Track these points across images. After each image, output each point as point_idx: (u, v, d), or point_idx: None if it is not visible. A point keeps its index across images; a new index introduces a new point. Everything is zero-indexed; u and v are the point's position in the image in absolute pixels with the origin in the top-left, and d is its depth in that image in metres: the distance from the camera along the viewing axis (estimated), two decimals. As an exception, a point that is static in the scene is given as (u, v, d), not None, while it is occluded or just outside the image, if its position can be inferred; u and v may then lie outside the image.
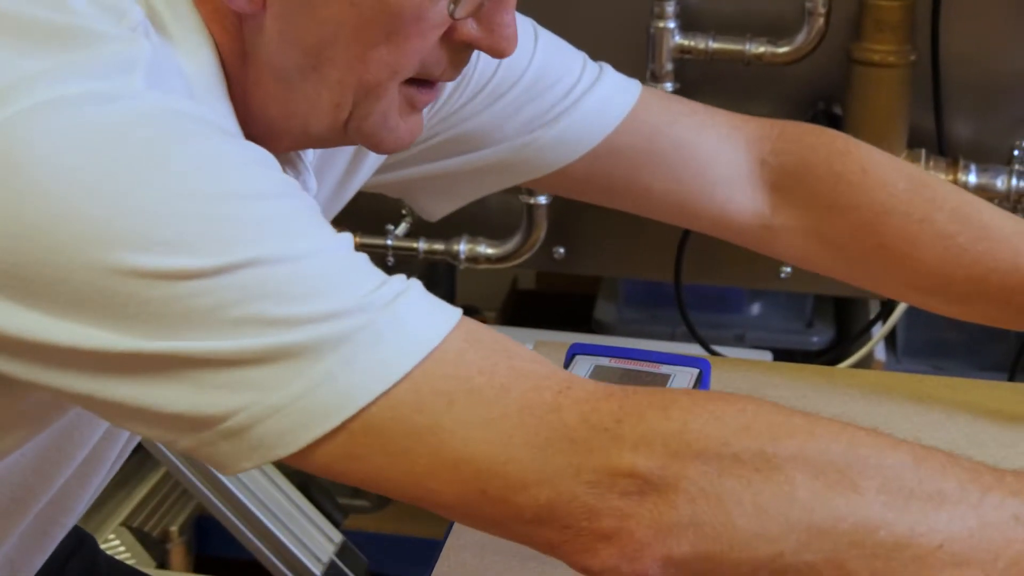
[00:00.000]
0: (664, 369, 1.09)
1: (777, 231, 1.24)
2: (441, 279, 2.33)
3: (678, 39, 1.71)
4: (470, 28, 0.97)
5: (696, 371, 1.08)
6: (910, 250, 1.19)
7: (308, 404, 0.79)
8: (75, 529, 1.43)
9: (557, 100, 1.18)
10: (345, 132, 0.99)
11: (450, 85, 1.14)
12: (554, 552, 0.82)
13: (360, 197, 1.90)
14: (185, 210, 0.80)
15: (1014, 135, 1.73)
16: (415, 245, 1.90)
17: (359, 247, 1.83)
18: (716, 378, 1.10)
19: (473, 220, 1.90)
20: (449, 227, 1.90)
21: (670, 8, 1.70)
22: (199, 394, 0.80)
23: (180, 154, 0.82)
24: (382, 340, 0.80)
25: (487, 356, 0.83)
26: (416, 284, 0.85)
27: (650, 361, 1.10)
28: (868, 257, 1.21)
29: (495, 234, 1.89)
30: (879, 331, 1.96)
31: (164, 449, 2.16)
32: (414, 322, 0.82)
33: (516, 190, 1.83)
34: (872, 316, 1.99)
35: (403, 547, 2.42)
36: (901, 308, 1.90)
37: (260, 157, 0.87)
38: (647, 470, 0.78)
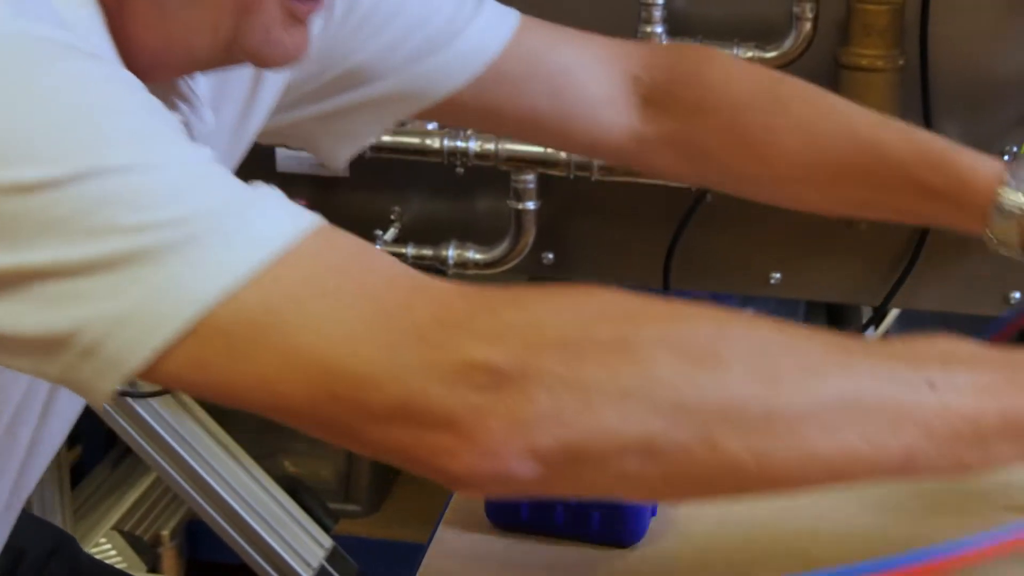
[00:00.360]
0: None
1: (649, 143, 1.26)
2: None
3: (666, 43, 1.71)
4: None
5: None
6: (772, 140, 1.23)
7: (153, 309, 0.77)
8: (54, 530, 1.43)
9: (442, 27, 1.20)
10: (229, 52, 0.99)
11: (339, 11, 1.16)
12: (412, 462, 0.78)
13: (350, 202, 1.92)
14: (41, 123, 0.79)
15: (1004, 139, 1.73)
16: (404, 251, 1.90)
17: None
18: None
19: (462, 225, 1.89)
20: (438, 232, 1.90)
21: (657, 12, 1.69)
22: (47, 309, 0.78)
23: (41, 75, 0.81)
24: (230, 242, 0.78)
25: (342, 259, 0.81)
26: (274, 191, 0.83)
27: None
28: (733, 157, 1.25)
29: (484, 239, 1.88)
30: (871, 336, 1.96)
31: (154, 454, 2.16)
32: (266, 225, 0.79)
33: (504, 195, 1.83)
34: (864, 321, 1.99)
35: (393, 552, 2.42)
36: (893, 314, 1.90)
37: (125, 78, 0.86)
38: (502, 362, 0.75)
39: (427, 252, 1.89)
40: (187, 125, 1.06)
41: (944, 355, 0.82)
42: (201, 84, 1.07)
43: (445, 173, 1.86)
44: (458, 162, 1.82)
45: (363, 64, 1.20)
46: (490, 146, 1.80)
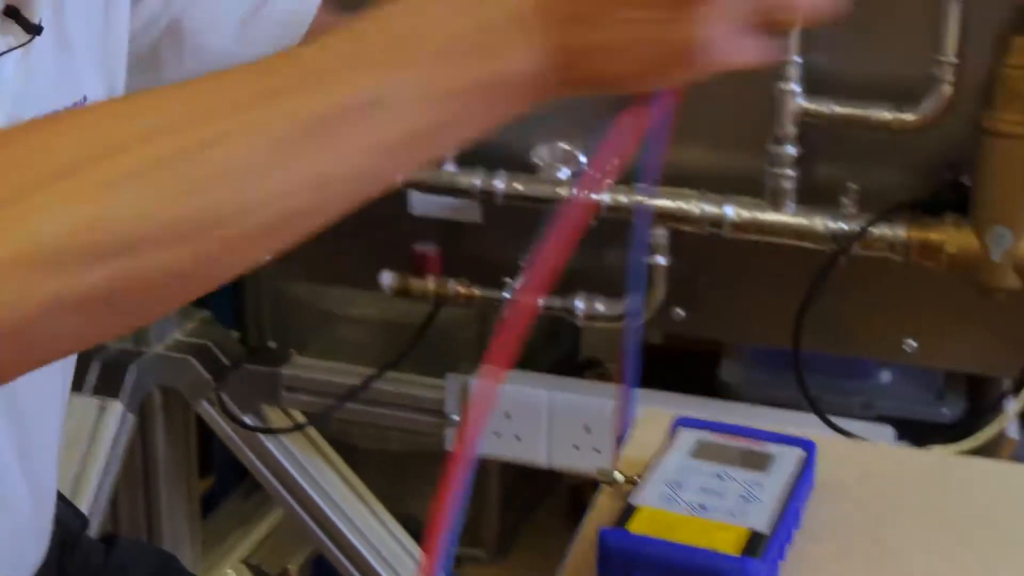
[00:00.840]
0: (769, 448, 1.07)
1: None
2: (565, 331, 2.32)
3: (801, 102, 1.68)
4: None
5: (802, 453, 1.07)
6: None
7: None
8: (158, 551, 1.46)
9: None
10: None
11: None
12: None
13: (480, 248, 1.92)
14: None
15: None
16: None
17: (477, 299, 1.84)
18: (826, 460, 1.07)
19: (591, 277, 1.88)
20: (567, 283, 1.89)
21: (794, 70, 1.67)
22: None
23: None
24: None
25: None
26: None
27: (755, 439, 1.08)
28: None
29: (614, 292, 1.87)
30: (1012, 407, 1.90)
31: (281, 489, 2.17)
32: None
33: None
34: (1004, 390, 1.93)
35: (517, 600, 2.40)
36: (1034, 385, 1.84)
37: None
38: None
39: (555, 302, 1.88)
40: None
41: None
42: None
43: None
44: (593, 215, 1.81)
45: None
46: (623, 198, 1.79)
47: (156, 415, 2.22)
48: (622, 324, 1.88)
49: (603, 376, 2.28)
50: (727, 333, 1.92)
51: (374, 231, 1.97)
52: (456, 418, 2.04)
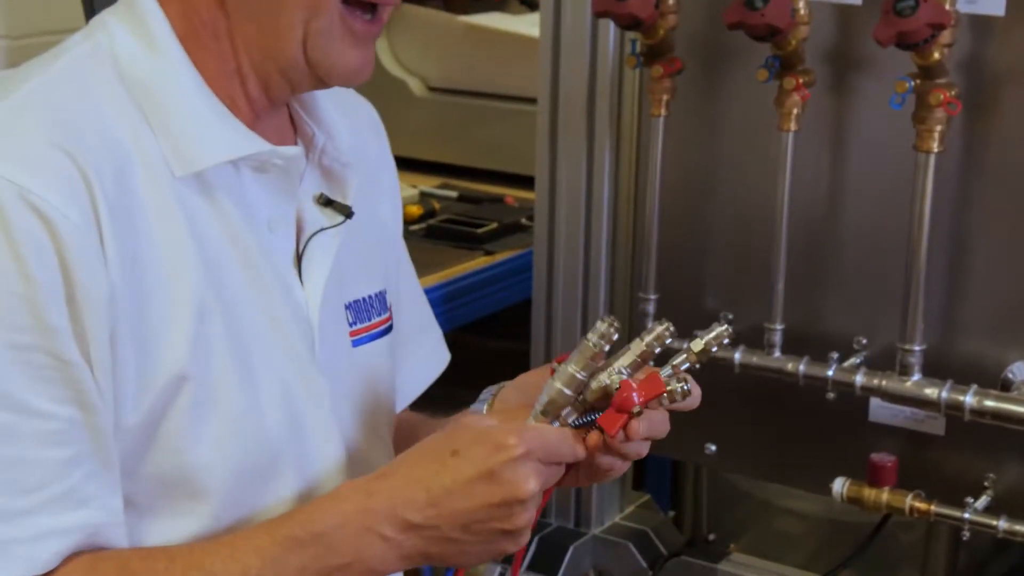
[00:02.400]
0: None
1: None
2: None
3: None
4: None
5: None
6: None
7: None
8: None
9: None
10: (307, 62, 1.26)
11: None
12: None
13: (941, 461, 1.84)
14: None
15: None
16: (995, 523, 1.79)
17: (933, 515, 1.75)
18: None
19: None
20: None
21: None
22: None
23: None
24: None
25: None
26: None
27: None
28: None
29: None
30: None
31: None
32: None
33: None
34: None
35: None
36: None
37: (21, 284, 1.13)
38: None
39: (1020, 528, 1.78)
40: (321, 147, 1.36)
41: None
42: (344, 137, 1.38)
43: (1050, 447, 1.75)
44: (1064, 438, 1.71)
45: None
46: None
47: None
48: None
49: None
50: None
51: (831, 435, 1.92)
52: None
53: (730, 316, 1.95)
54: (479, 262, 2.30)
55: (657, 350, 1.25)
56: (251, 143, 1.28)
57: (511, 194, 2.58)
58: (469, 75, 2.76)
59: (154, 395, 1.21)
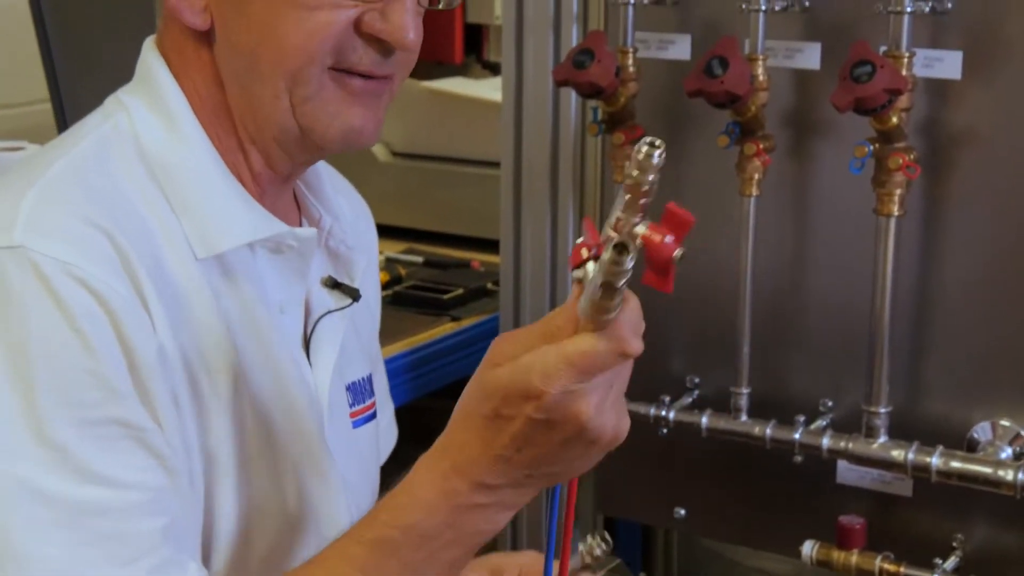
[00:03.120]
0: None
1: None
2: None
3: None
4: (374, 20, 1.22)
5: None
6: None
7: None
8: None
9: None
10: (300, 130, 1.24)
11: None
12: None
13: (909, 522, 1.84)
14: None
15: None
16: (964, 583, 1.79)
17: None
18: None
19: (1031, 564, 1.77)
20: (1001, 566, 1.79)
21: None
22: None
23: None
24: None
25: None
26: None
27: None
28: None
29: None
30: None
31: None
32: None
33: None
34: None
35: None
36: None
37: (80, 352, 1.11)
38: None
39: (990, 587, 1.78)
40: (328, 229, 1.37)
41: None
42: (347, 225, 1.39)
43: (1016, 507, 1.75)
44: (1037, 497, 1.71)
45: None
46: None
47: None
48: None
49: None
50: None
51: (800, 498, 1.92)
52: None
53: (696, 379, 1.96)
54: (446, 328, 2.30)
55: (651, 177, 1.02)
56: (270, 225, 1.28)
57: (477, 258, 2.58)
58: (432, 140, 2.76)
59: (196, 467, 1.21)
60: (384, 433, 1.60)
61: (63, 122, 2.29)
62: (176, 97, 1.26)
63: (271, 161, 1.29)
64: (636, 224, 1.03)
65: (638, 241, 1.02)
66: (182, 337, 1.19)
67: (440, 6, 1.29)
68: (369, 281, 1.53)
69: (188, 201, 1.24)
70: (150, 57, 1.29)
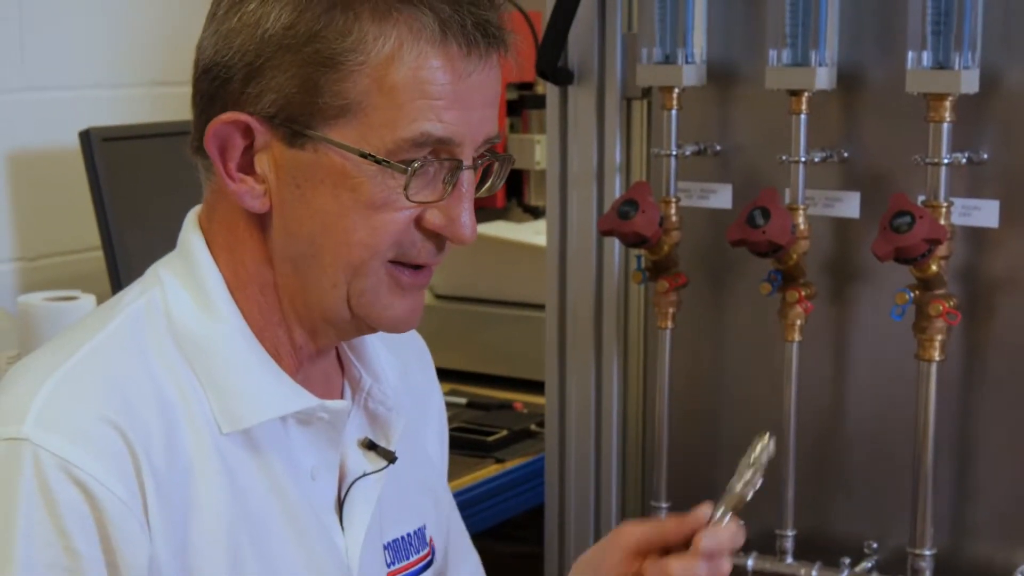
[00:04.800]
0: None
1: None
2: None
3: None
4: (434, 218, 1.26)
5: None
6: None
7: None
8: None
9: None
10: (352, 315, 1.27)
11: None
12: None
13: None
14: None
15: None
16: None
17: None
18: None
19: None
20: None
21: None
22: None
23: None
24: None
25: None
26: None
27: None
28: None
29: None
30: None
31: None
32: None
33: None
34: None
35: None
36: None
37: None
38: None
39: None
40: (368, 390, 1.39)
41: None
42: (391, 381, 1.41)
43: None
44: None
45: None
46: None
47: None
48: None
49: None
50: None
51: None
52: None
53: (742, 522, 1.97)
54: (490, 470, 2.33)
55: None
56: (299, 399, 1.30)
57: (519, 399, 2.62)
58: (475, 282, 2.81)
59: None
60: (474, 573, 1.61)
61: (115, 270, 2.35)
62: (212, 274, 1.29)
63: (317, 338, 1.31)
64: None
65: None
66: (182, 532, 1.22)
67: (483, 193, 1.32)
68: (429, 428, 1.54)
69: (217, 378, 1.26)
70: (190, 232, 1.32)
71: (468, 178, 1.27)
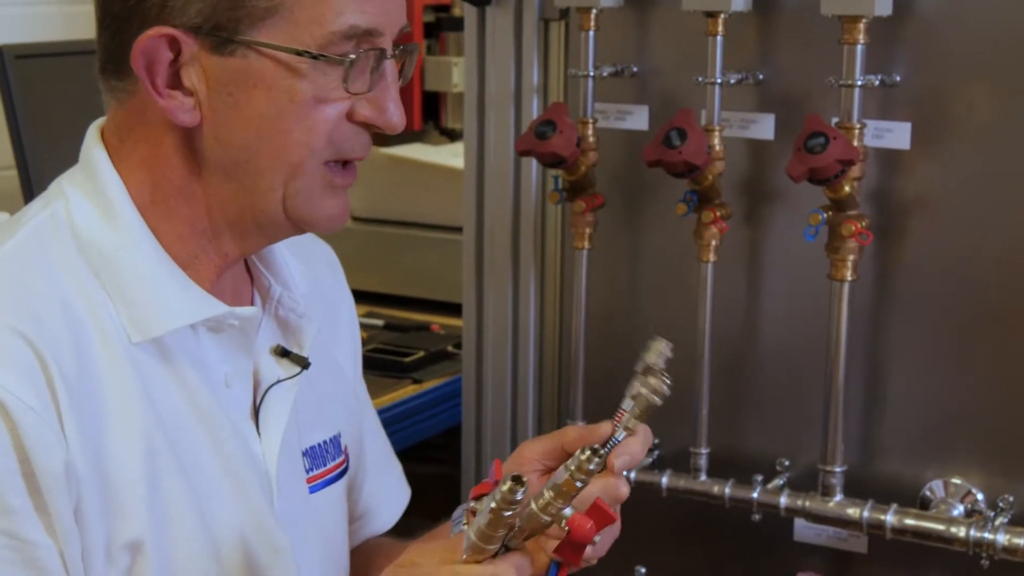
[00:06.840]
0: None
1: None
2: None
3: None
4: (364, 110, 1.28)
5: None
6: None
7: None
8: None
9: None
10: (287, 216, 1.29)
11: None
12: None
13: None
14: None
15: None
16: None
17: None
18: None
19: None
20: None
21: None
22: None
23: None
24: None
25: None
26: None
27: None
28: None
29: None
30: None
31: None
32: None
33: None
34: None
35: None
36: None
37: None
38: None
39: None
40: (278, 298, 1.39)
41: None
42: (300, 285, 1.42)
43: (968, 563, 1.81)
44: (984, 553, 1.76)
45: None
46: (1020, 541, 1.74)
47: None
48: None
49: None
50: None
51: (758, 555, 1.97)
52: None
53: (656, 440, 2.00)
54: (408, 391, 2.34)
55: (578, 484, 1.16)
56: (208, 307, 1.30)
57: (437, 321, 2.62)
58: (392, 205, 2.81)
59: (120, 566, 1.23)
60: (396, 487, 1.65)
61: (28, 189, 2.32)
62: (116, 186, 1.29)
63: (245, 243, 1.32)
64: (563, 508, 1.16)
65: (563, 523, 1.16)
66: (97, 439, 1.22)
67: (400, 83, 1.34)
68: (340, 335, 1.56)
69: (124, 289, 1.27)
70: (92, 145, 1.31)
71: (391, 67, 1.30)
